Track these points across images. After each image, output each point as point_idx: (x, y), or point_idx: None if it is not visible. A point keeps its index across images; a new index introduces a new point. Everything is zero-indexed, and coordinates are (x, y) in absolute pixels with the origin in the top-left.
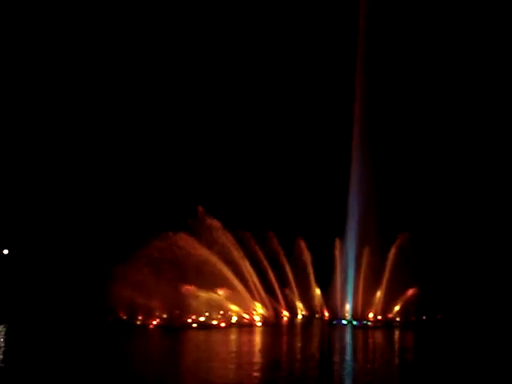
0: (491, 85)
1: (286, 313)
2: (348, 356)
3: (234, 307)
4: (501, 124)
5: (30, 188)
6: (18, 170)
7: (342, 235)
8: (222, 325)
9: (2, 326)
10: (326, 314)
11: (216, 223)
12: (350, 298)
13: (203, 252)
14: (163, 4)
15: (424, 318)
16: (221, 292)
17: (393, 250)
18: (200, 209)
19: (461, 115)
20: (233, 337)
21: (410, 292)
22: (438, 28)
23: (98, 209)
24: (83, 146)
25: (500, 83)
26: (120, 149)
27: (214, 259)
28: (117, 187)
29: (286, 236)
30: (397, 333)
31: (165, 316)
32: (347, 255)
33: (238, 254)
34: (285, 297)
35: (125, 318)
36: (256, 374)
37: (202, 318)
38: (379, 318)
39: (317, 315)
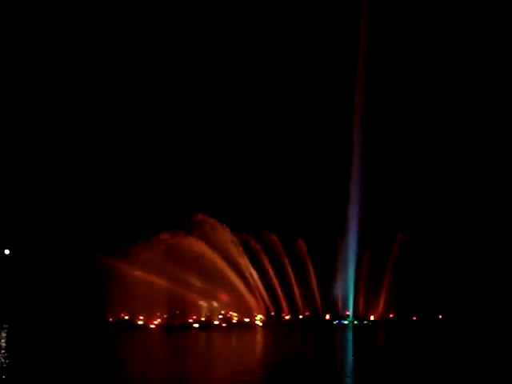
0: (486, 89)
1: (286, 313)
2: (349, 357)
3: (234, 314)
4: (496, 124)
5: (30, 188)
6: (18, 170)
7: (342, 235)
8: (223, 325)
9: (4, 326)
10: (327, 314)
11: (217, 223)
12: (351, 298)
13: (205, 252)
14: (163, 4)
15: (425, 318)
16: (219, 302)
17: (394, 250)
18: (200, 216)
19: (457, 116)
20: (233, 337)
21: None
22: (436, 33)
23: (98, 208)
24: (83, 146)
25: (493, 88)
26: (120, 149)
27: (217, 260)
28: (117, 187)
29: (286, 236)
30: (398, 333)
31: (166, 316)
32: (348, 255)
33: (239, 255)
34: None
35: (126, 317)
36: (257, 375)
37: (202, 318)
38: (380, 318)
39: (318, 315)
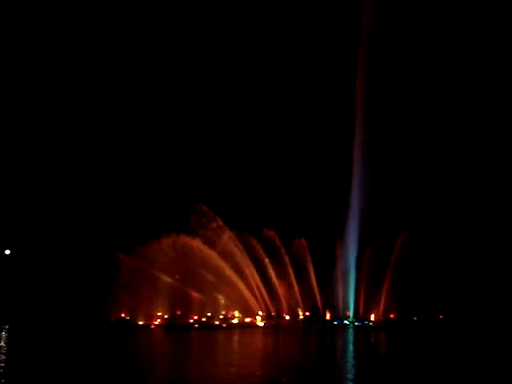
0: (488, 88)
1: (287, 313)
2: (350, 358)
3: (236, 313)
4: (498, 125)
5: (30, 188)
6: (18, 170)
7: (342, 235)
8: (224, 325)
9: (5, 327)
10: (328, 314)
11: (220, 223)
12: (351, 298)
13: (207, 253)
14: (163, 4)
15: (426, 318)
16: (223, 300)
17: (395, 250)
18: (202, 207)
19: (458, 117)
20: (235, 338)
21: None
22: (437, 32)
23: (99, 209)
24: (83, 146)
25: (497, 87)
26: (120, 149)
27: (218, 261)
28: (118, 187)
29: (287, 236)
30: (399, 333)
31: (166, 316)
32: (348, 255)
33: (241, 256)
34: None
35: (127, 318)
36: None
37: (203, 319)
38: (381, 318)
39: (319, 316)
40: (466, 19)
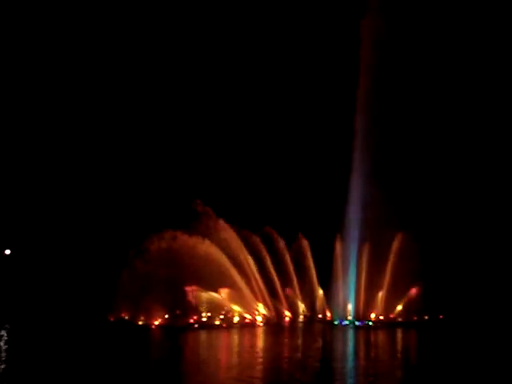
0: (492, 85)
1: (288, 313)
2: (349, 358)
3: (235, 307)
4: (498, 125)
5: (30, 188)
6: (18, 170)
7: (342, 233)
8: (224, 325)
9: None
10: (328, 314)
11: (219, 221)
12: (351, 297)
13: (207, 249)
14: (163, 4)
15: (426, 318)
16: (223, 294)
17: (394, 248)
18: (199, 203)
19: (461, 114)
20: (235, 337)
21: (413, 291)
22: (441, 28)
23: (98, 208)
24: (83, 146)
25: (501, 84)
26: (120, 148)
27: (218, 257)
28: (117, 187)
29: (286, 234)
30: (399, 333)
31: (166, 316)
32: (348, 254)
33: (241, 254)
34: (286, 297)
35: (127, 318)
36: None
37: (203, 319)
38: (381, 318)
39: (319, 315)
40: (466, 20)
